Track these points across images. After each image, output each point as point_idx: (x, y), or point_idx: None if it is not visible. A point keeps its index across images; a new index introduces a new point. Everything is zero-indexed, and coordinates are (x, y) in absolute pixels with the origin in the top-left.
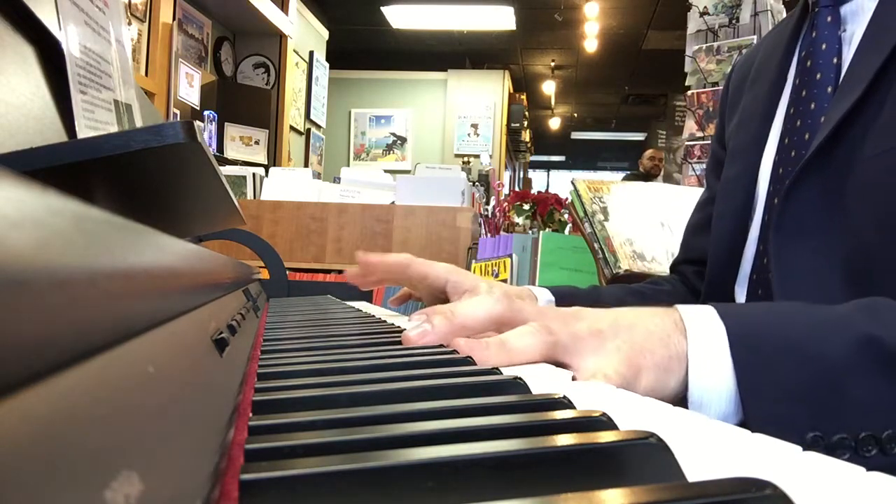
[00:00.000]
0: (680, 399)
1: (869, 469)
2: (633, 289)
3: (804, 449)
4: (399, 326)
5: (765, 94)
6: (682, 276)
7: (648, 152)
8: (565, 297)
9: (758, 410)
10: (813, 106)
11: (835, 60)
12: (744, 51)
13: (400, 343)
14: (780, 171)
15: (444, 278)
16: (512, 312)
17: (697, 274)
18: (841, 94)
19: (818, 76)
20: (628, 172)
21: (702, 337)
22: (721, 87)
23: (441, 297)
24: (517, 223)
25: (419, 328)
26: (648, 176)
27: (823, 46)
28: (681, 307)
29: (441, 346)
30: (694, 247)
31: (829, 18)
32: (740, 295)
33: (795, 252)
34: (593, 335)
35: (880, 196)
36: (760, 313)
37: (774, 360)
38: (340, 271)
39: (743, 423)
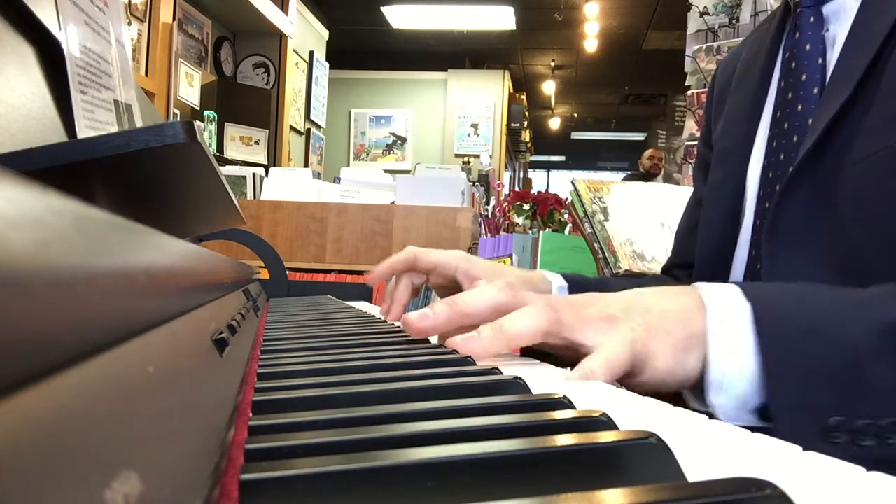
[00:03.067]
0: (675, 395)
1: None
2: (639, 283)
3: (823, 437)
4: (398, 326)
5: (749, 96)
6: (675, 280)
7: (648, 152)
8: (576, 283)
9: (782, 392)
10: (800, 108)
11: (819, 61)
12: None
13: (400, 343)
14: (769, 175)
15: (455, 266)
16: (515, 301)
17: (691, 277)
18: (827, 97)
19: (803, 77)
20: (629, 172)
21: (724, 316)
22: None
23: (453, 285)
24: (517, 223)
25: (420, 313)
26: (649, 175)
27: (807, 47)
28: (701, 285)
29: (441, 346)
30: (686, 250)
31: (811, 19)
32: None
33: (789, 259)
34: (604, 320)
35: (871, 199)
36: (786, 295)
37: (799, 342)
38: (340, 271)
39: (763, 406)
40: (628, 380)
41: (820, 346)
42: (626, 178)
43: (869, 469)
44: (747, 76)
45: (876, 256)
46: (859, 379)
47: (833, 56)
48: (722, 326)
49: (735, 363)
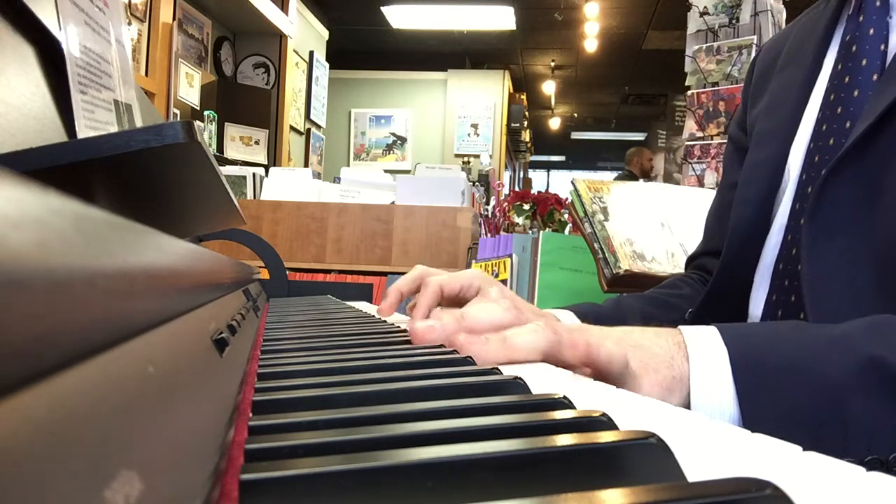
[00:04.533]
0: None
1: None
2: (652, 299)
3: None
4: (398, 326)
5: (798, 78)
6: (701, 272)
7: (646, 153)
8: (588, 315)
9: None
10: (856, 93)
11: (882, 47)
12: (744, 50)
13: (400, 343)
14: (815, 159)
15: (476, 288)
16: (519, 321)
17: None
18: (886, 84)
19: (863, 62)
20: (620, 173)
21: (704, 359)
22: (721, 87)
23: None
24: (517, 223)
25: (427, 323)
26: (644, 176)
27: (871, 32)
28: (684, 329)
29: (441, 346)
30: (716, 235)
31: (877, 3)
32: (760, 285)
33: (828, 245)
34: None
35: None
36: (763, 334)
37: (776, 382)
38: (340, 271)
39: None
40: None
41: (797, 385)
42: (619, 178)
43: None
44: (797, 57)
45: None
46: (839, 416)
47: (895, 42)
48: (702, 370)
49: (716, 408)
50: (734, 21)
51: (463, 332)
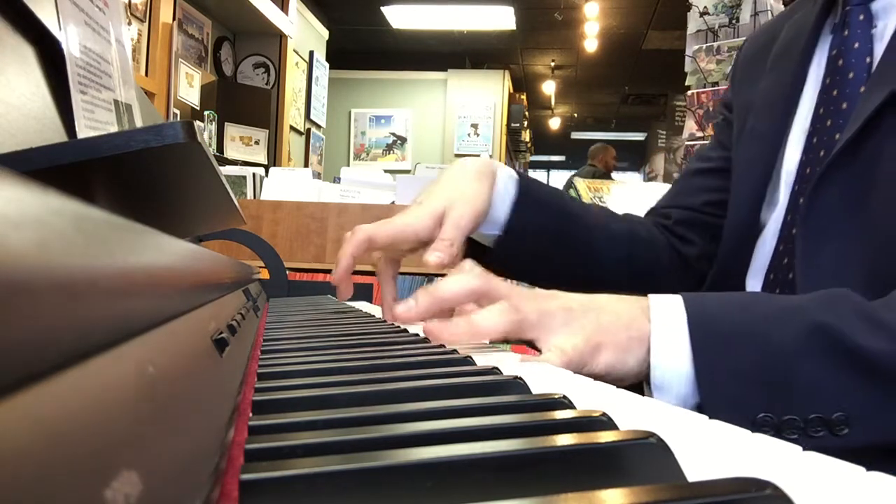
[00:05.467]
0: (639, 384)
1: (812, 448)
2: (610, 213)
3: (753, 429)
4: (399, 326)
5: (785, 83)
6: (657, 223)
7: (611, 152)
8: (528, 185)
9: (712, 391)
10: (845, 105)
11: (867, 59)
12: None
13: (400, 343)
14: (807, 171)
15: (413, 230)
16: (488, 287)
17: (684, 224)
18: (870, 91)
19: (850, 75)
20: (584, 167)
21: (664, 321)
22: (721, 87)
23: (419, 246)
24: None
25: (404, 303)
26: (608, 172)
27: (856, 45)
28: (653, 296)
29: (441, 345)
30: (688, 191)
31: (861, 17)
32: (754, 287)
33: (820, 253)
34: (563, 310)
35: None
36: (722, 301)
37: (730, 344)
38: None
39: (700, 405)
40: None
41: (749, 349)
42: (585, 175)
43: (869, 469)
44: (784, 62)
45: None
46: (787, 378)
47: (880, 51)
48: (662, 331)
49: (673, 366)
50: (734, 21)
51: (437, 303)
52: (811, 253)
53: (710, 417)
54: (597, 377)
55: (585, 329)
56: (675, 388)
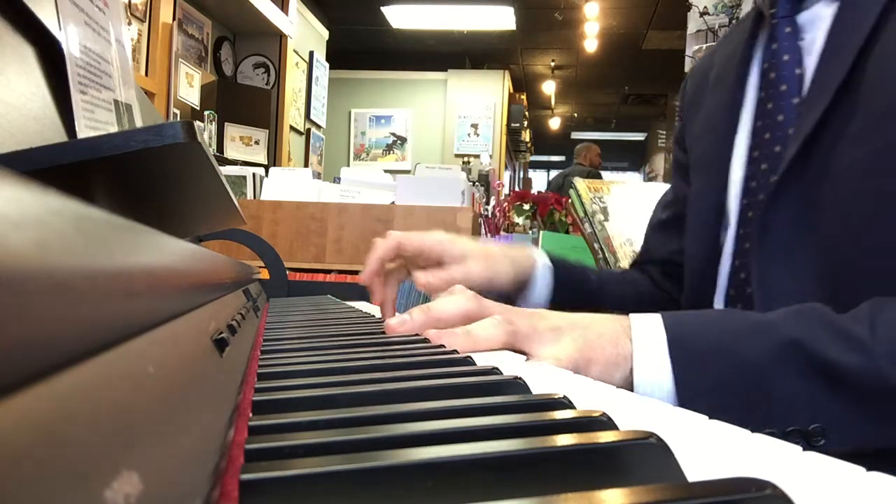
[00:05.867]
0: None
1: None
2: (621, 278)
3: None
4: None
5: (724, 103)
6: (648, 276)
7: (595, 149)
8: (561, 267)
9: (693, 406)
10: (780, 118)
11: (797, 70)
12: None
13: (400, 343)
14: (752, 185)
15: (440, 249)
16: (481, 309)
17: (665, 275)
18: (808, 106)
19: (783, 87)
20: (571, 167)
21: (645, 340)
22: None
23: (437, 266)
24: (517, 223)
25: (400, 318)
26: (593, 169)
27: (785, 58)
28: (633, 315)
29: (441, 346)
30: (657, 246)
31: (787, 29)
32: (718, 305)
33: (777, 270)
34: (552, 329)
35: (857, 204)
36: (699, 321)
37: (707, 360)
38: (340, 271)
39: None
40: None
41: (725, 365)
42: (578, 173)
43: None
44: (722, 82)
45: (860, 263)
46: (763, 392)
47: (809, 64)
48: (643, 349)
49: (655, 381)
50: (734, 21)
51: (431, 322)
52: (766, 271)
53: None
54: None
55: (576, 342)
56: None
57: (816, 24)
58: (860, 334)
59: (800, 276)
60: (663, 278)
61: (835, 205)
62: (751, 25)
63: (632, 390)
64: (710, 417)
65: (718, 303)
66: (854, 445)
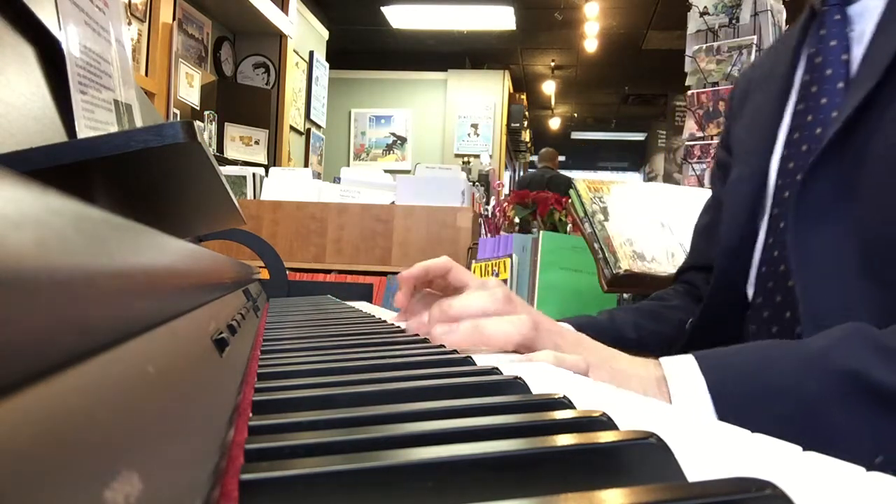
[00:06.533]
0: None
1: None
2: (644, 311)
3: None
4: (399, 326)
5: (773, 95)
6: (689, 285)
7: (555, 154)
8: (584, 326)
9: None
10: (824, 101)
11: (844, 57)
12: (744, 50)
13: (400, 343)
14: (789, 166)
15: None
16: (507, 312)
17: (707, 281)
18: (853, 88)
19: (828, 72)
20: (541, 169)
21: (684, 394)
22: (721, 87)
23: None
24: (517, 223)
25: (446, 327)
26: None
27: (833, 43)
28: (664, 361)
29: (441, 346)
30: (702, 252)
31: (837, 17)
32: (751, 294)
33: (813, 241)
34: (575, 347)
35: (891, 187)
36: (739, 361)
37: (757, 407)
38: (340, 271)
39: None
40: None
41: (777, 406)
42: (543, 175)
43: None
44: (771, 77)
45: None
46: (822, 429)
47: (858, 53)
48: (681, 399)
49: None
50: (734, 21)
51: (477, 343)
52: (804, 242)
53: None
54: None
55: (601, 371)
56: None
57: (866, 17)
58: None
59: (835, 250)
60: (706, 285)
61: (871, 186)
62: (802, 24)
63: None
64: None
65: (750, 283)
66: None
